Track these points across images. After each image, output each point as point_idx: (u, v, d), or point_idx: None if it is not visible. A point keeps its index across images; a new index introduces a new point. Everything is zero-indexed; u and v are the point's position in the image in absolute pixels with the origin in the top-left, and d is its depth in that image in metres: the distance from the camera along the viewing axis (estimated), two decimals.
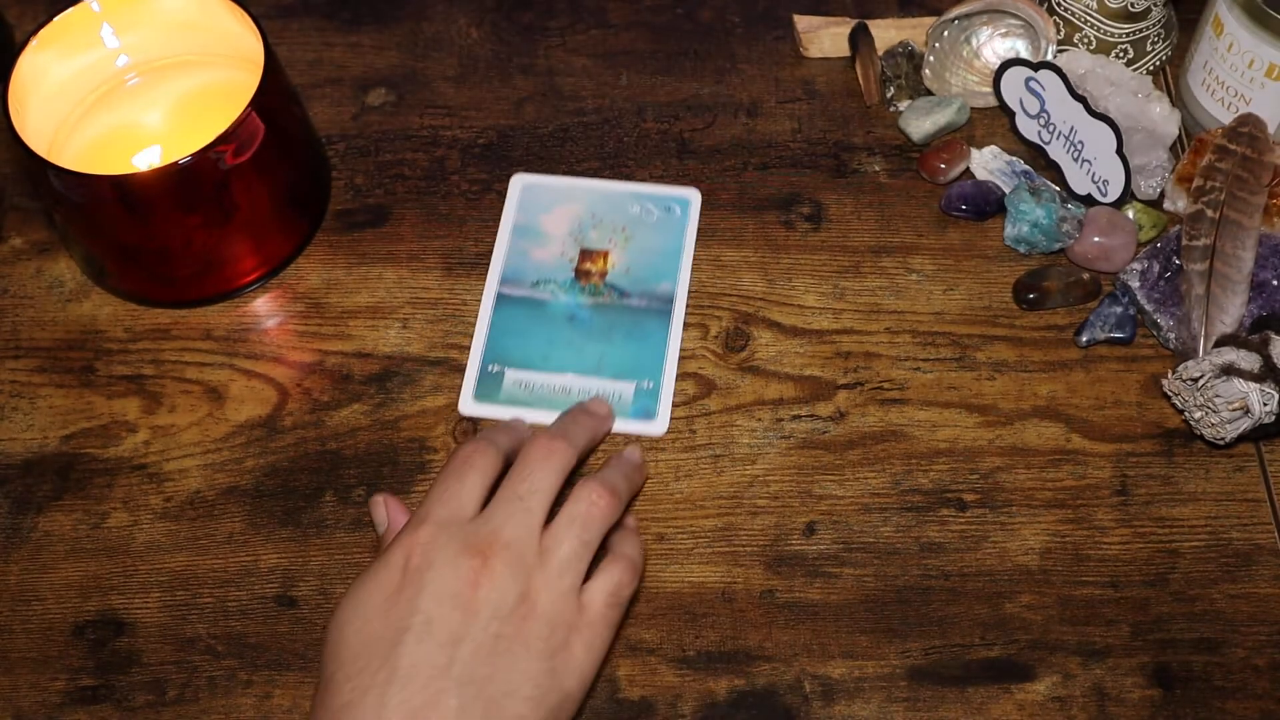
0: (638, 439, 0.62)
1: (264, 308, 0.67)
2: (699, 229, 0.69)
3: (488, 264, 0.68)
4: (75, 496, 0.62)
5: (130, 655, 0.57)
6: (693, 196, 0.70)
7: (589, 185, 0.70)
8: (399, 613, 0.49)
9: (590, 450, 0.60)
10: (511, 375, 0.64)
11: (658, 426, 0.63)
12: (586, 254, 0.68)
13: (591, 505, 0.52)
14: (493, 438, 0.56)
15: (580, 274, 0.67)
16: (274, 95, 0.63)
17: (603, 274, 0.67)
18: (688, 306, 0.66)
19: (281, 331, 0.67)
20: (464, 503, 0.52)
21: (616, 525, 0.55)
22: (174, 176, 0.60)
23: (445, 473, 0.54)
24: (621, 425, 0.62)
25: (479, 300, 0.67)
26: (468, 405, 0.64)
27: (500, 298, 0.66)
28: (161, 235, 0.63)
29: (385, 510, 0.57)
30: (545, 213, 0.69)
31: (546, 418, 0.62)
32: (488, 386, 0.64)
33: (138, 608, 0.59)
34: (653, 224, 0.68)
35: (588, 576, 0.52)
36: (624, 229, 0.68)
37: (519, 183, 0.70)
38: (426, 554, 0.50)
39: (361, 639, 0.49)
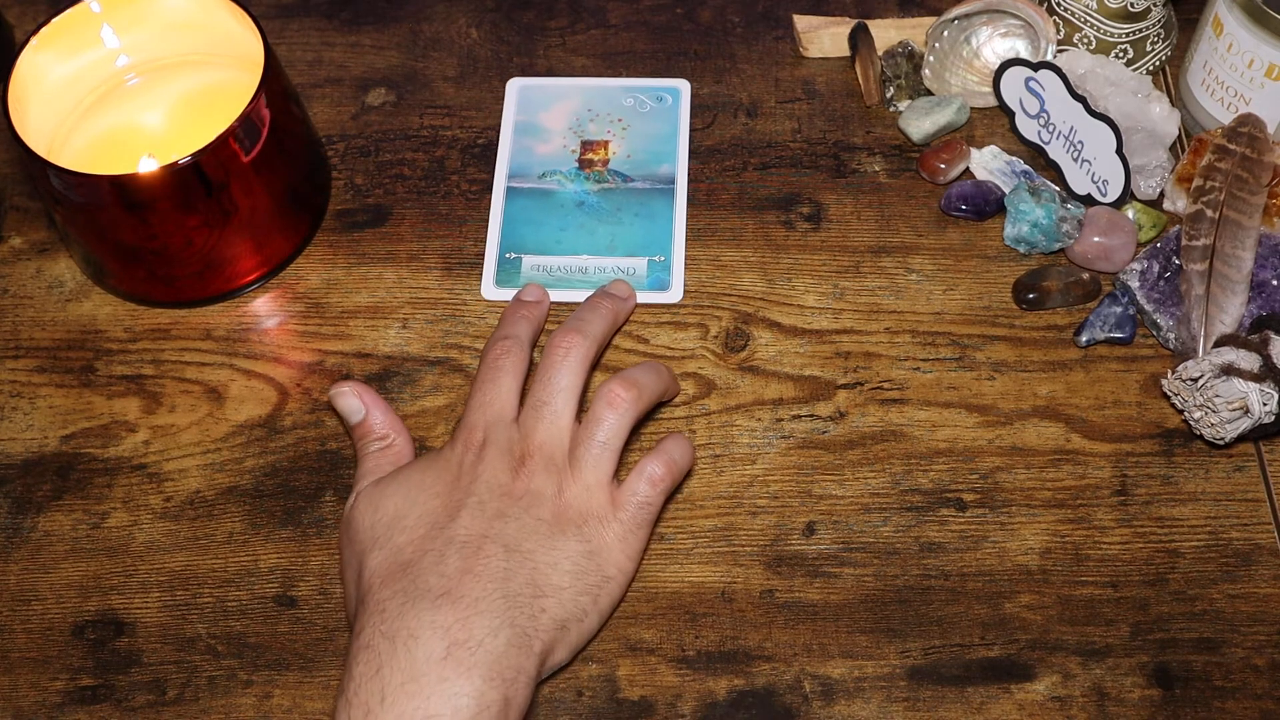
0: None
1: (264, 308, 0.67)
2: (699, 229, 0.69)
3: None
4: (75, 496, 0.62)
5: (130, 655, 0.57)
6: (682, 86, 0.74)
7: (582, 83, 0.75)
8: (457, 496, 0.54)
9: (615, 330, 0.64)
10: (529, 260, 0.68)
11: (673, 295, 0.66)
12: (588, 145, 0.72)
13: (609, 406, 0.56)
14: (514, 332, 0.60)
15: (584, 163, 0.71)
16: (274, 95, 0.63)
17: (605, 162, 0.71)
18: (688, 305, 0.66)
19: (281, 331, 0.67)
20: (504, 404, 0.57)
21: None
22: (174, 176, 0.60)
23: (480, 379, 0.58)
24: (639, 297, 0.66)
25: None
26: (490, 291, 0.67)
27: (510, 191, 0.70)
28: (161, 235, 0.63)
29: (360, 399, 0.59)
30: (544, 111, 0.74)
31: (568, 297, 0.66)
32: (507, 273, 0.68)
33: (138, 608, 0.59)
34: (647, 113, 0.73)
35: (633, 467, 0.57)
36: (620, 120, 0.73)
37: (515, 85, 0.75)
38: (480, 454, 0.55)
39: (421, 512, 0.54)
